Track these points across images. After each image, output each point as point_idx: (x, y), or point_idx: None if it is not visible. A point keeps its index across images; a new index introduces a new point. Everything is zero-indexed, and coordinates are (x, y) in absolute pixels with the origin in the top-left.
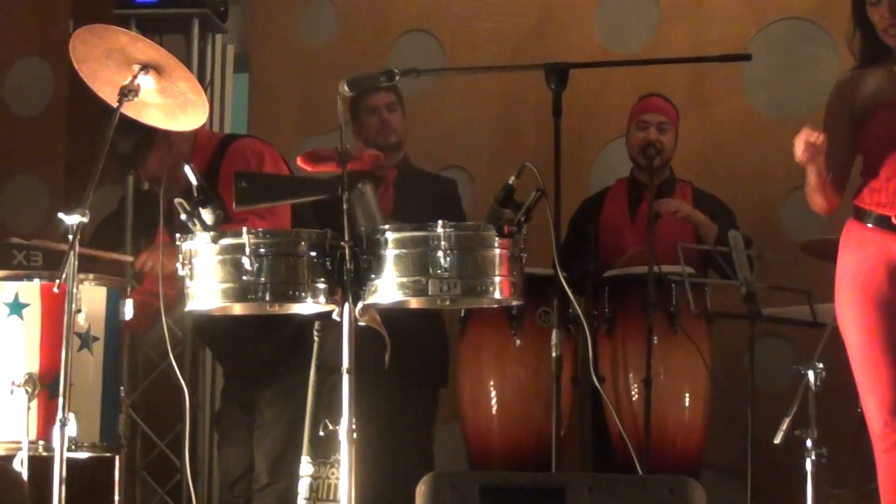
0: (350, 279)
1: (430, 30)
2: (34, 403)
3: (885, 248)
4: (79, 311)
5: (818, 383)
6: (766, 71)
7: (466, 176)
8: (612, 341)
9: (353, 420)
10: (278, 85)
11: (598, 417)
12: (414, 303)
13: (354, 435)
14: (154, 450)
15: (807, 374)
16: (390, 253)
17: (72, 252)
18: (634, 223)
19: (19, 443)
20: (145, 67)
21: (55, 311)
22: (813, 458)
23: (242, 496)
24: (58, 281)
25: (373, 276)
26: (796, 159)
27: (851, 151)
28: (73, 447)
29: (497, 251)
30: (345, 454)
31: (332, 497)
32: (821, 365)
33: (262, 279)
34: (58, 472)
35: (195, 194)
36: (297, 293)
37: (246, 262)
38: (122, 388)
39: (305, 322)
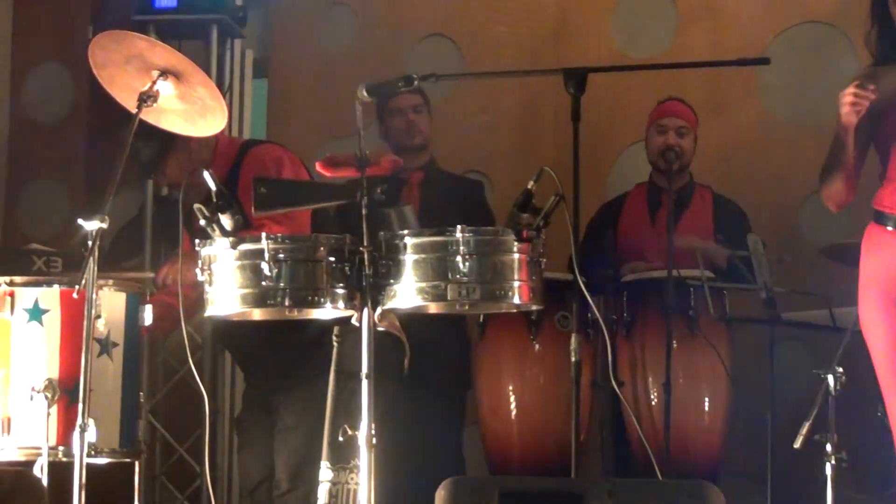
0: (369, 284)
1: (448, 35)
2: (54, 409)
3: None
4: (98, 316)
5: (838, 387)
6: (784, 75)
7: (485, 180)
8: (631, 346)
9: (373, 425)
10: (297, 90)
11: (617, 422)
12: (433, 308)
13: (374, 440)
14: (174, 455)
15: (826, 379)
16: (409, 258)
17: (91, 258)
18: (654, 228)
19: (39, 448)
20: (164, 73)
21: (75, 317)
22: (833, 462)
23: (262, 502)
24: (77, 287)
25: (392, 281)
26: (842, 115)
27: (865, 149)
28: (93, 453)
29: (516, 256)
30: (364, 459)
31: (351, 502)
32: (840, 369)
33: (282, 284)
34: (78, 477)
35: (214, 200)
36: (316, 298)
37: (265, 267)
38: (141, 393)
39: (325, 327)
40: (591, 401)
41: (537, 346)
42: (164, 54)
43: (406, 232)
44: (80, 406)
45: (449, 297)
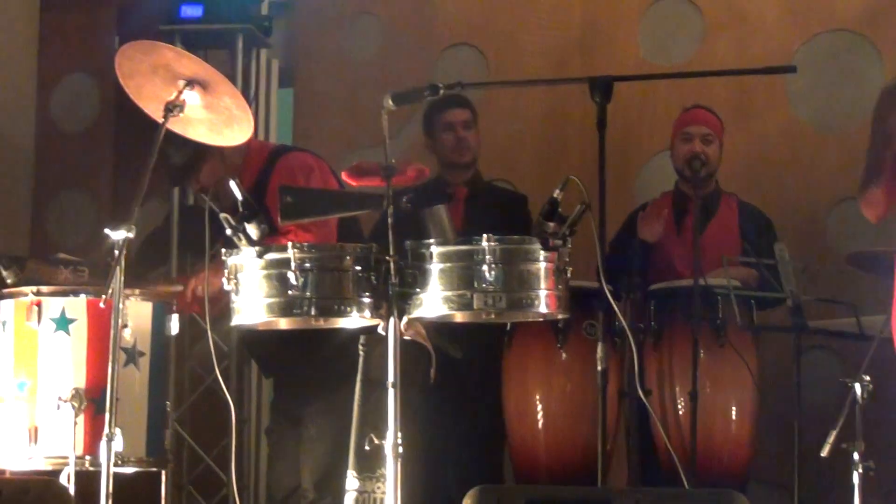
0: (395, 293)
1: (474, 43)
2: (81, 418)
3: None
4: (125, 326)
5: (865, 396)
6: (810, 83)
7: (510, 189)
8: (658, 354)
9: (399, 434)
10: (323, 99)
11: (644, 431)
12: (459, 317)
13: (400, 449)
14: (200, 464)
15: (854, 387)
16: (435, 267)
17: (118, 267)
18: (680, 236)
19: (66, 458)
20: (190, 83)
21: (101, 327)
22: (860, 471)
23: None
24: (104, 296)
25: (418, 289)
26: None
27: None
28: (120, 462)
29: (542, 265)
30: (390, 468)
31: None
32: (868, 378)
33: (308, 294)
34: (104, 487)
35: (240, 209)
36: (342, 308)
37: (291, 276)
38: (168, 402)
39: (347, 338)
40: (618, 409)
41: (564, 355)
42: (190, 64)
43: (432, 241)
44: (107, 415)
45: (475, 307)
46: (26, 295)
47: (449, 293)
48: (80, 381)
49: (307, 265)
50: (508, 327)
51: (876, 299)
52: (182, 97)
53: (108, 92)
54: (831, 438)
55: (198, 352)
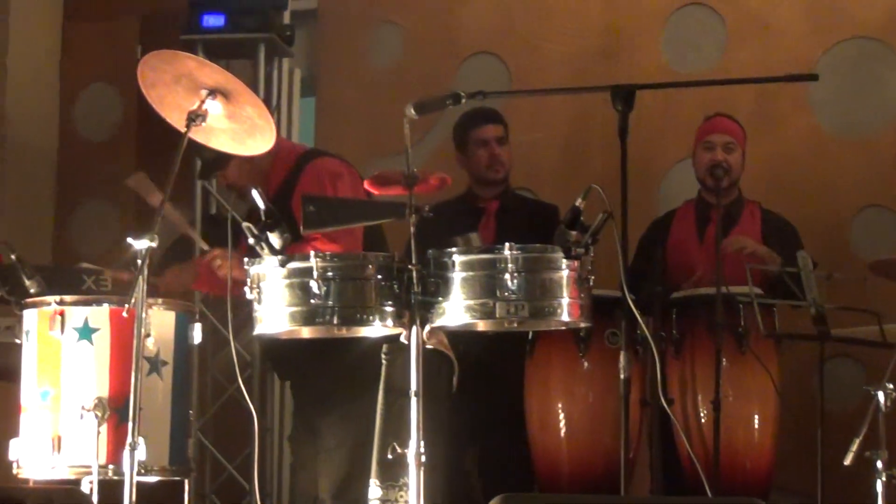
0: (418, 302)
1: (496, 52)
2: (104, 428)
3: None
4: (148, 335)
5: (888, 404)
6: (833, 90)
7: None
8: (680, 363)
9: (422, 442)
10: (345, 108)
11: (666, 439)
12: (481, 325)
13: (423, 458)
14: (223, 473)
15: (877, 395)
16: (457, 276)
17: (140, 277)
18: (703, 244)
19: (89, 467)
20: (213, 92)
21: (124, 336)
22: (883, 479)
23: None
24: (127, 306)
25: (440, 298)
26: None
27: None
28: (143, 471)
29: (564, 273)
30: (413, 477)
31: None
32: (891, 386)
33: (330, 302)
34: (127, 496)
35: (262, 218)
36: (364, 316)
37: (314, 285)
38: (191, 411)
39: (366, 349)
40: (641, 418)
41: (586, 364)
42: (212, 74)
43: (454, 249)
44: (130, 424)
45: (497, 315)
46: (49, 304)
47: (471, 302)
48: (103, 391)
49: (329, 274)
50: (530, 336)
51: None
52: (204, 107)
53: (131, 101)
54: (854, 447)
55: (220, 361)
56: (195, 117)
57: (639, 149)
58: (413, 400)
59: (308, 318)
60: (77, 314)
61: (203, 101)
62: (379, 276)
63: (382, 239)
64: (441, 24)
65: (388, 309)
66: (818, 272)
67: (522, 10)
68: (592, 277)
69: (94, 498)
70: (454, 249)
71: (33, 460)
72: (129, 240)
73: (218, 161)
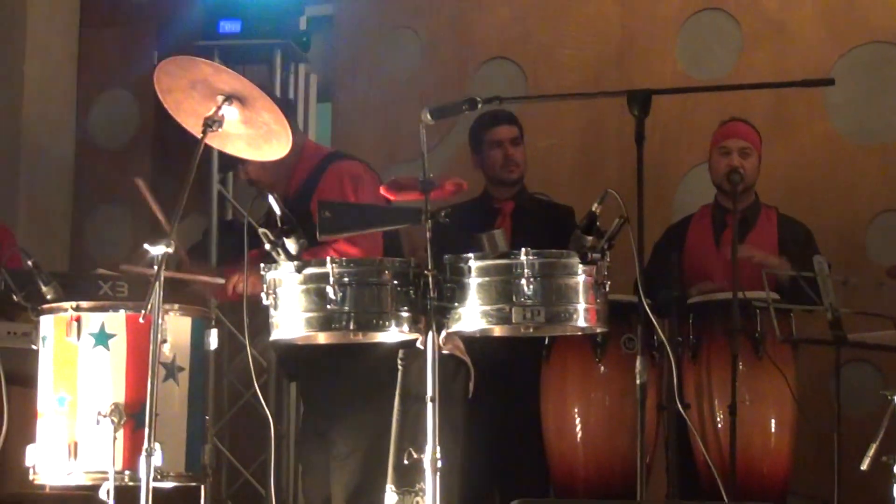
0: (433, 307)
1: (512, 57)
2: (120, 434)
3: None
4: (164, 341)
5: None
6: (849, 95)
7: None
8: (696, 368)
9: (438, 448)
10: (361, 113)
11: (683, 444)
12: (497, 331)
13: (439, 463)
14: (239, 479)
15: (893, 400)
16: (473, 281)
17: (157, 282)
18: (719, 249)
19: (105, 473)
20: (229, 98)
21: (141, 342)
22: None
23: None
24: (143, 311)
25: (456, 304)
26: None
27: None
28: (159, 477)
29: (581, 278)
30: (429, 483)
31: None
32: None
33: (346, 308)
34: (144, 502)
35: (279, 224)
36: (380, 322)
37: (330, 291)
38: (207, 417)
39: (379, 357)
40: (657, 423)
41: (602, 369)
42: (228, 79)
43: (471, 255)
44: (147, 430)
45: (513, 321)
46: (66, 310)
47: (487, 307)
48: (120, 397)
49: (346, 279)
50: (547, 341)
51: None
52: (220, 112)
53: (147, 108)
54: (871, 452)
55: (236, 367)
56: (211, 123)
57: (654, 154)
58: (429, 405)
59: (324, 323)
60: (93, 320)
61: (219, 107)
62: (395, 282)
63: (398, 245)
64: (457, 29)
65: (405, 314)
66: (834, 276)
67: (538, 16)
68: (608, 282)
69: None
70: (470, 255)
71: (50, 466)
72: (146, 245)
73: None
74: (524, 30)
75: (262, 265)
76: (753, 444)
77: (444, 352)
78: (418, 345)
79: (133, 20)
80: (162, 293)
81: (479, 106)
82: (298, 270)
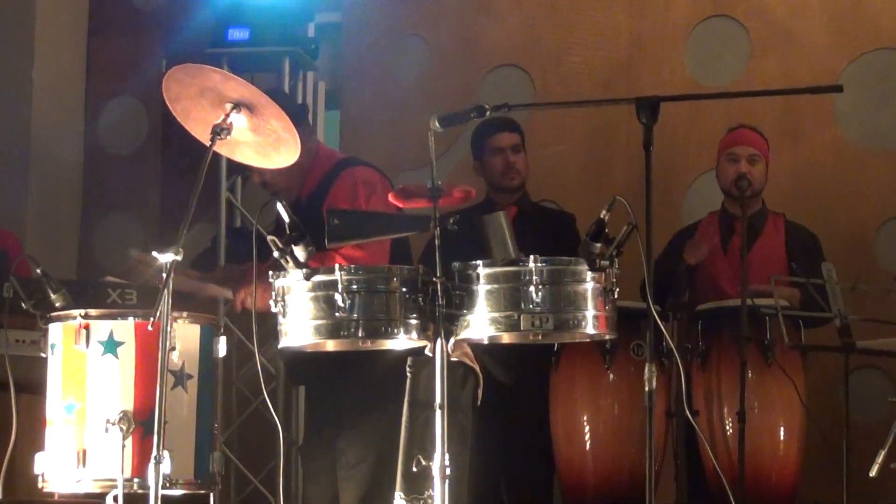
0: (442, 315)
1: (520, 64)
2: (129, 441)
3: None
4: (173, 348)
5: None
6: (857, 102)
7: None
8: (705, 375)
9: (447, 455)
10: (369, 121)
11: (692, 451)
12: (506, 338)
13: (447, 470)
14: (248, 486)
15: None
16: (482, 288)
17: (165, 290)
18: (726, 256)
19: (114, 480)
20: (237, 106)
21: (149, 349)
22: None
23: None
24: (152, 319)
25: (465, 311)
26: None
27: None
28: (168, 484)
29: (589, 285)
30: (438, 490)
31: None
32: None
33: (355, 315)
34: None
35: (287, 231)
36: (389, 329)
37: (338, 298)
38: (215, 424)
39: (387, 366)
40: (666, 430)
41: (611, 376)
42: (237, 87)
43: (479, 262)
44: (155, 438)
45: (522, 328)
46: (74, 318)
47: (496, 314)
48: (128, 404)
49: (354, 287)
50: (555, 348)
51: None
52: (229, 120)
53: (155, 115)
54: (880, 458)
55: (245, 374)
56: (220, 131)
57: (663, 161)
58: (438, 412)
59: (333, 331)
60: (102, 328)
61: (228, 115)
62: (404, 289)
63: (408, 252)
64: (465, 36)
65: (413, 321)
66: (843, 282)
67: (546, 23)
68: (617, 289)
69: None
70: (479, 262)
71: (58, 474)
72: (154, 253)
73: None
74: (532, 37)
75: (271, 273)
76: (762, 451)
77: (453, 359)
78: (427, 352)
79: (141, 28)
80: (170, 301)
81: (488, 113)
82: (307, 278)
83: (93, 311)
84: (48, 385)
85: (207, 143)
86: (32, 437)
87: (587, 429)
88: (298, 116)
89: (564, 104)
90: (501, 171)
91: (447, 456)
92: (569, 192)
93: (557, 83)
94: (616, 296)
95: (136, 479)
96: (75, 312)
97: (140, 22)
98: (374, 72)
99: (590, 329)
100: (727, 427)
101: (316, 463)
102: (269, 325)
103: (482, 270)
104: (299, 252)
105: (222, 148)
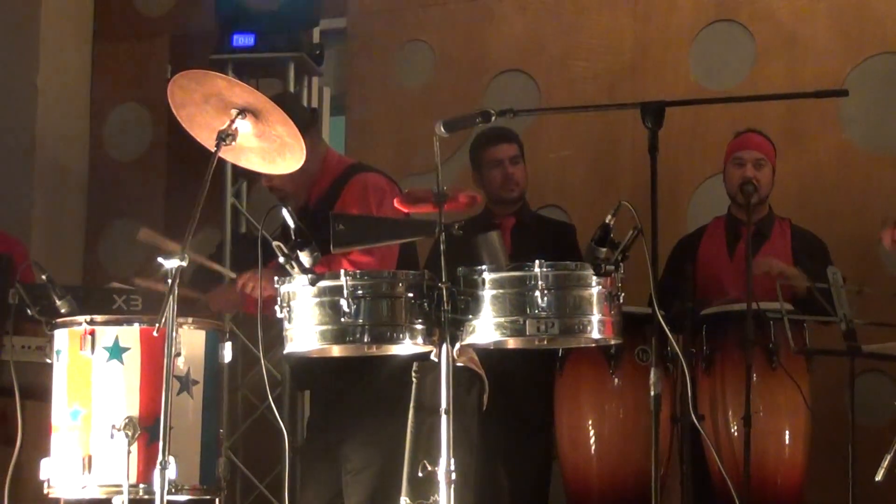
0: (447, 320)
1: (525, 70)
2: (134, 447)
3: None
4: (178, 354)
5: None
6: (863, 106)
7: (563, 215)
8: (710, 379)
9: (452, 460)
10: (374, 126)
11: (697, 456)
12: (511, 343)
13: (453, 475)
14: (254, 492)
15: None
16: (487, 293)
17: (171, 296)
18: (733, 261)
19: (120, 486)
20: (242, 112)
21: (155, 355)
22: None
23: None
24: (157, 325)
25: (470, 316)
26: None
27: None
28: (174, 490)
29: (594, 290)
30: (443, 495)
31: None
32: None
33: (360, 321)
34: None
35: (293, 237)
36: (395, 334)
37: (344, 303)
38: (221, 430)
39: (391, 373)
40: (671, 435)
41: (617, 380)
42: (242, 93)
43: (484, 267)
44: (161, 443)
45: (527, 333)
46: (80, 324)
47: (501, 319)
48: (134, 410)
49: (360, 292)
50: (560, 353)
51: None
52: (234, 126)
53: (161, 121)
54: (886, 463)
55: (250, 380)
56: (225, 137)
57: (668, 165)
58: (443, 418)
59: (338, 336)
60: (107, 334)
61: (233, 121)
62: (409, 294)
63: (415, 258)
64: (470, 41)
65: (419, 327)
66: (849, 285)
67: (551, 28)
68: (622, 294)
69: None
70: (484, 267)
71: (64, 480)
72: (160, 259)
73: None
74: (537, 42)
75: (276, 278)
76: (768, 456)
77: (459, 364)
78: (432, 357)
79: (147, 34)
80: (176, 306)
81: (493, 118)
82: (312, 283)
83: (98, 317)
84: (54, 391)
85: (212, 150)
86: (38, 442)
87: (592, 433)
88: (306, 122)
89: (570, 109)
90: (500, 183)
91: (453, 461)
92: (574, 196)
93: (562, 88)
94: (622, 300)
95: (141, 485)
96: (81, 318)
97: (145, 28)
98: (379, 77)
99: (595, 334)
100: (732, 431)
101: (315, 465)
102: (274, 330)
103: (488, 275)
104: (304, 258)
105: (227, 154)
